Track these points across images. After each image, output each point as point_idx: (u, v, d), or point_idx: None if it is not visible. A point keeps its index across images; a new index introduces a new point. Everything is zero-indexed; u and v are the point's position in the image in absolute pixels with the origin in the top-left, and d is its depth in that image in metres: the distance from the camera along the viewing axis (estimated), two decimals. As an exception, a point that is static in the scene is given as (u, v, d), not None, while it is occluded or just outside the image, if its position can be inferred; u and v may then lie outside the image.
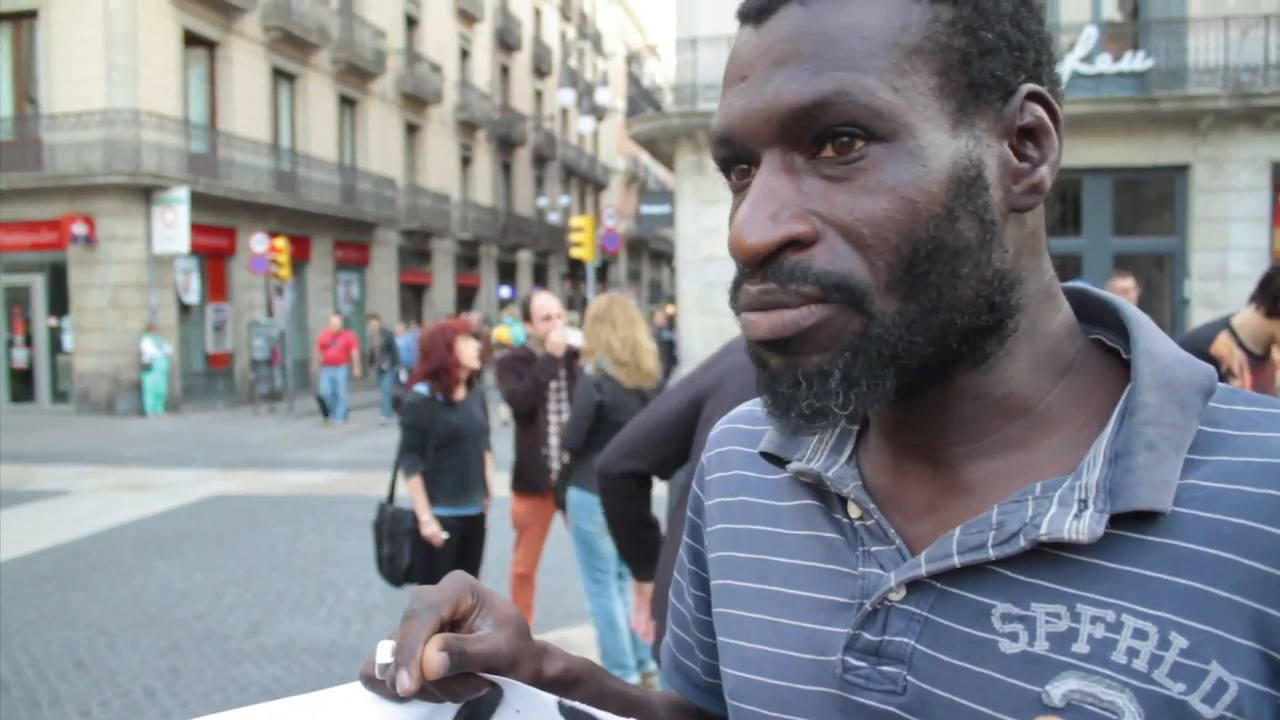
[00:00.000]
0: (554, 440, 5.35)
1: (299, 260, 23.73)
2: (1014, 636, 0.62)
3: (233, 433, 17.11)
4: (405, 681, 0.65)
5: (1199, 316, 13.49)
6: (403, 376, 18.77)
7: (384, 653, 0.68)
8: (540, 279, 43.18)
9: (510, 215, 38.74)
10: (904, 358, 0.62)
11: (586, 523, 4.78)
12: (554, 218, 42.93)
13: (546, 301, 5.48)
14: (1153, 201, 16.05)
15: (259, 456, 14.02)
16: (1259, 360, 3.27)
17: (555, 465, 5.32)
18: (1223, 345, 3.26)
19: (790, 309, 0.62)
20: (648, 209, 21.92)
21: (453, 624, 0.71)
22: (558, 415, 5.35)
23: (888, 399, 0.63)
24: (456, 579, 0.73)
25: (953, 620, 0.64)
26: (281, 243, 19.87)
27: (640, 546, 2.90)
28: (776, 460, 0.79)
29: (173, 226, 19.58)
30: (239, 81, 22.65)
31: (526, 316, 5.52)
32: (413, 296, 31.44)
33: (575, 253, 21.03)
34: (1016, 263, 0.65)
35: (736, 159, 0.67)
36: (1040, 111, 0.65)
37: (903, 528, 0.69)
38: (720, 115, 0.67)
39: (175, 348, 20.25)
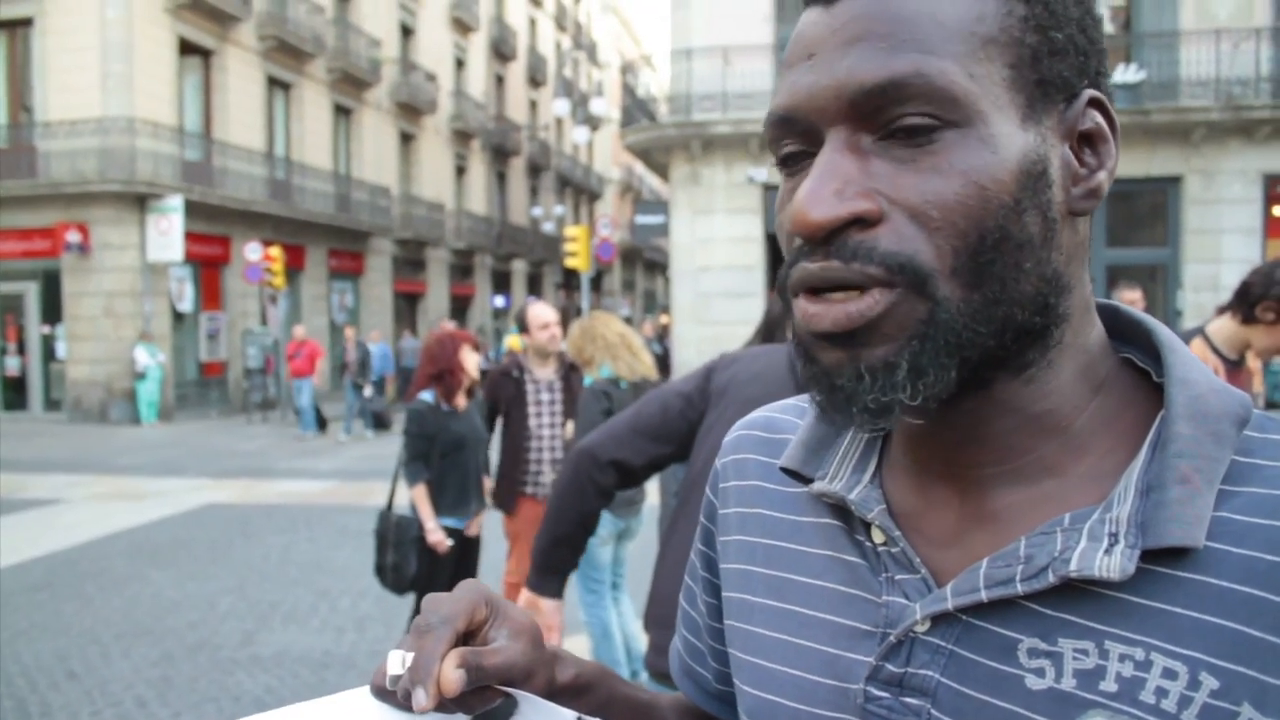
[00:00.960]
0: (546, 453, 5.35)
1: (293, 269, 23.69)
2: (1040, 672, 0.61)
3: (226, 441, 17.07)
4: (422, 700, 0.65)
5: (1192, 327, 13.49)
6: (368, 392, 18.32)
7: (395, 663, 0.67)
8: (534, 289, 43.18)
9: (505, 225, 38.74)
10: (968, 348, 0.61)
11: None
12: (548, 227, 42.94)
13: (542, 310, 5.48)
14: (1145, 213, 16.10)
15: (252, 465, 13.99)
16: (1234, 365, 3.30)
17: (551, 474, 5.33)
18: (1198, 349, 3.29)
19: (853, 300, 0.60)
20: (642, 219, 22.00)
21: (467, 635, 0.70)
22: (551, 429, 5.35)
23: (950, 392, 0.61)
24: (470, 588, 0.72)
25: (978, 654, 0.63)
26: (276, 251, 19.86)
27: (569, 555, 2.49)
28: (797, 476, 0.77)
29: (167, 235, 19.56)
30: (234, 90, 22.66)
31: (523, 327, 5.51)
32: (407, 306, 31.42)
33: (570, 262, 21.07)
34: (1068, 268, 0.64)
35: (798, 136, 0.65)
36: (1100, 119, 0.65)
37: (928, 555, 0.68)
38: (782, 94, 0.65)
39: (169, 356, 20.21)
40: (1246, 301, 3.15)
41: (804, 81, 0.63)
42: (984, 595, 0.62)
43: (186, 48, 21.43)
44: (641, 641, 5.26)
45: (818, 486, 0.74)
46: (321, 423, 18.15)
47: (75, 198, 19.37)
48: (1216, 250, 15.67)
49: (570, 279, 41.55)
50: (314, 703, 0.69)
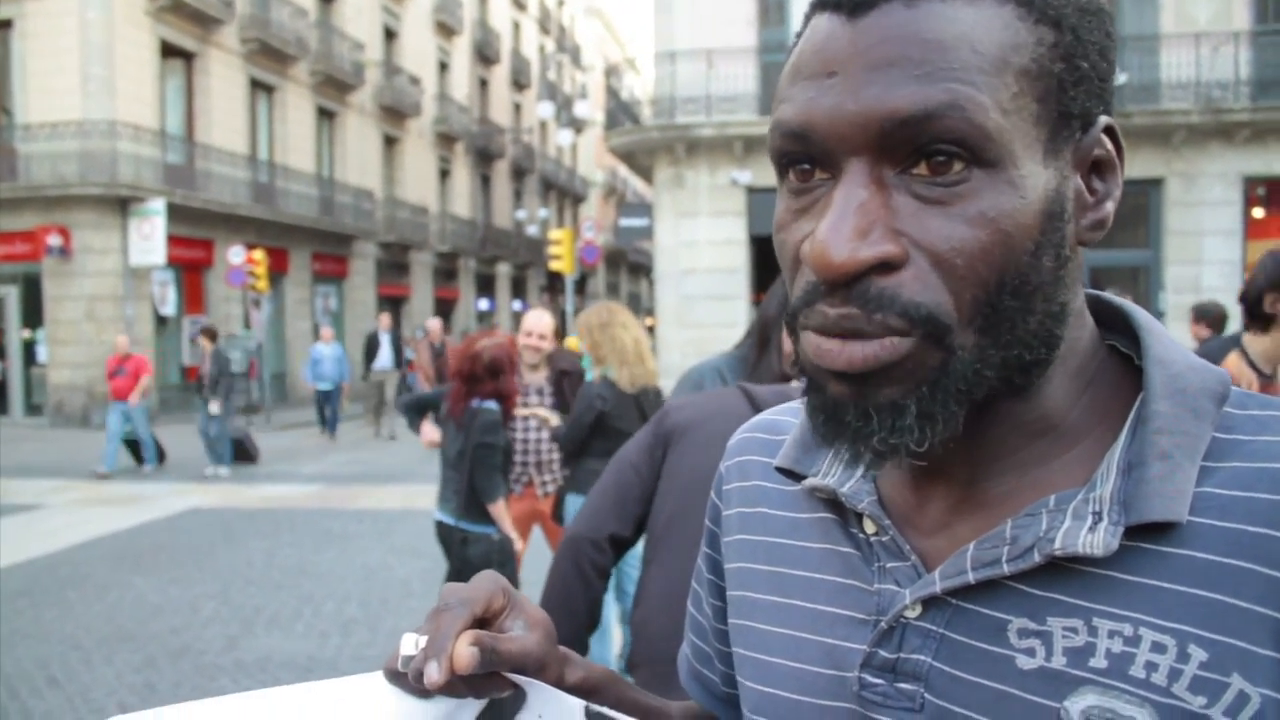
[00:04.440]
0: (531, 455, 5.34)
1: (276, 272, 23.59)
2: (1031, 652, 0.61)
3: (209, 446, 16.96)
4: (434, 673, 0.64)
5: (1173, 329, 13.61)
6: (214, 409, 13.55)
7: (408, 645, 0.68)
8: (519, 292, 43.14)
9: (489, 228, 38.69)
10: (975, 392, 0.60)
11: None
12: (532, 230, 42.90)
13: (534, 320, 5.43)
14: (1127, 215, 16.19)
15: (235, 469, 13.92)
16: (1268, 380, 3.21)
17: (537, 475, 5.32)
18: (1233, 364, 3.21)
19: (870, 340, 0.59)
20: (626, 222, 22.01)
21: (482, 623, 0.70)
22: (537, 432, 5.33)
23: (956, 434, 0.61)
24: (489, 578, 0.73)
25: (969, 636, 0.63)
26: (259, 255, 19.76)
27: (580, 648, 2.31)
28: (792, 475, 0.78)
29: (149, 238, 19.46)
30: (216, 93, 22.57)
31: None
32: (391, 309, 31.34)
33: (554, 265, 21.06)
34: (1070, 293, 0.63)
35: (806, 158, 0.62)
36: (1110, 146, 0.64)
37: (918, 543, 0.69)
38: (796, 108, 0.61)
39: (151, 360, 20.09)
40: (1255, 304, 3.07)
41: (824, 101, 0.60)
42: (971, 577, 0.62)
43: (168, 50, 21.32)
44: None
45: (810, 482, 0.75)
46: (160, 454, 14.24)
47: (56, 201, 19.25)
48: (1198, 252, 15.78)
49: (554, 282, 41.52)
50: (327, 683, 0.70)
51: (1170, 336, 0.68)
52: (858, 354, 0.59)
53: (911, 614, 0.66)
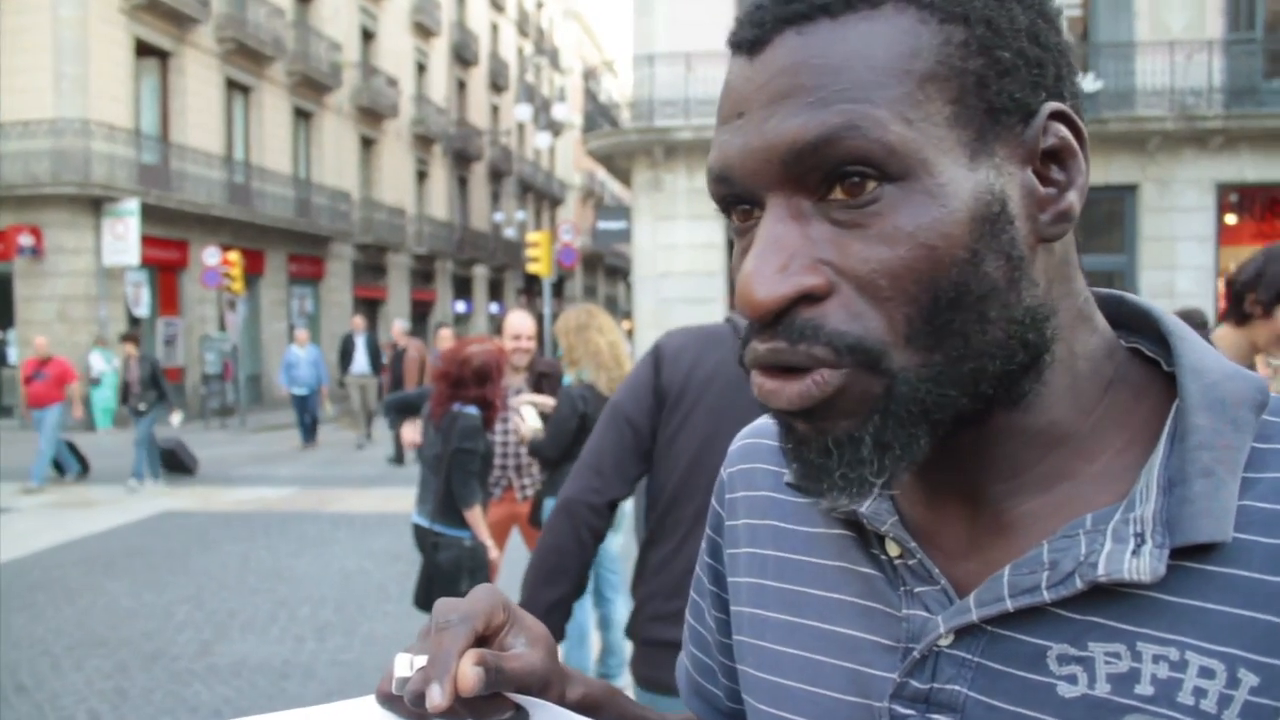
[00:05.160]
0: (511, 459, 5.31)
1: (252, 274, 23.46)
2: (1072, 679, 0.58)
3: (183, 448, 16.83)
4: (437, 697, 0.61)
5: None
6: (176, 420, 13.89)
7: (403, 666, 0.64)
8: (496, 294, 43.05)
9: (466, 230, 38.59)
10: (935, 412, 0.58)
11: None
12: (510, 233, 42.83)
13: (517, 321, 5.41)
14: (1102, 220, 16.31)
15: (210, 472, 13.80)
16: None
17: (516, 479, 5.30)
18: None
19: (802, 377, 0.58)
20: (604, 224, 21.96)
21: (482, 639, 0.67)
22: (516, 435, 5.30)
23: (924, 457, 0.59)
24: (488, 591, 0.69)
25: (1006, 665, 0.61)
26: (234, 256, 19.63)
27: (567, 607, 2.33)
28: (805, 491, 0.75)
29: (123, 238, 19.31)
30: (192, 93, 22.41)
31: (499, 332, 5.49)
32: (367, 311, 31.21)
33: (531, 268, 21.02)
34: (1048, 295, 0.61)
35: (737, 199, 0.62)
36: (1064, 131, 0.61)
37: (946, 567, 0.65)
38: (716, 152, 0.62)
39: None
40: (1236, 303, 3.10)
41: (736, 143, 0.60)
42: (1010, 604, 0.60)
43: (143, 49, 21.16)
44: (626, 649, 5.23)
45: (827, 503, 0.71)
46: (83, 465, 13.35)
47: (28, 200, 19.05)
48: (1172, 257, 15.91)
49: (532, 284, 41.39)
50: (314, 710, 0.66)
51: (1203, 342, 0.65)
52: (795, 392, 0.58)
53: (944, 642, 0.63)
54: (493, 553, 4.76)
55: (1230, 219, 16.63)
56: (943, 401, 0.58)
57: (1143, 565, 0.56)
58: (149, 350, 12.51)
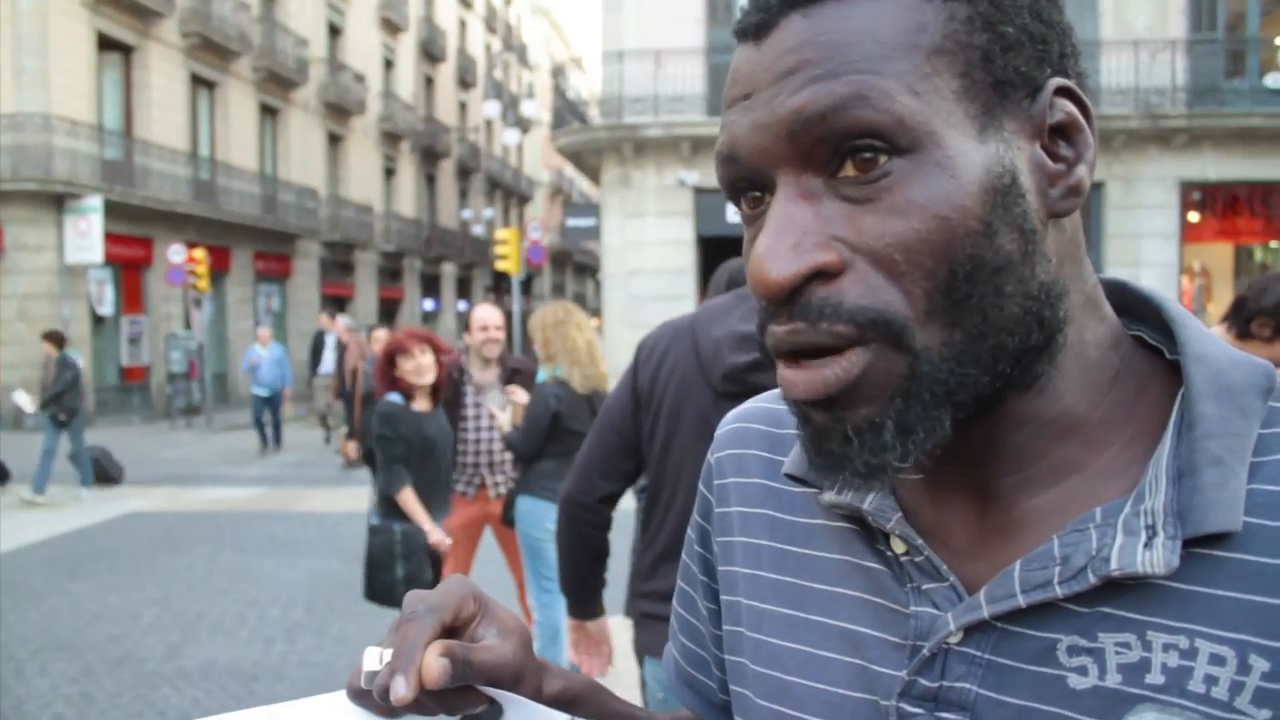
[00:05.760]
0: (484, 455, 5.29)
1: (218, 271, 23.24)
2: (1083, 670, 0.58)
3: (149, 448, 16.65)
4: (401, 689, 0.59)
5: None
6: (25, 402, 12.73)
7: (371, 660, 0.62)
8: (464, 292, 42.88)
9: (434, 227, 38.42)
10: (958, 393, 0.57)
11: (536, 530, 4.74)
12: (478, 230, 42.68)
13: (484, 313, 5.40)
14: (1068, 218, 16.50)
15: (176, 472, 13.67)
16: None
17: (489, 476, 5.28)
18: None
19: (829, 364, 0.57)
20: (573, 222, 21.96)
21: (451, 632, 0.66)
22: (489, 432, 5.28)
23: (946, 442, 0.58)
24: (458, 582, 0.68)
25: (1016, 659, 0.60)
26: (200, 253, 19.43)
27: (594, 581, 2.73)
28: (804, 482, 0.73)
29: (86, 236, 19.07)
30: (156, 88, 22.14)
31: (467, 328, 5.49)
32: (335, 308, 31.00)
33: (500, 265, 20.94)
34: (1060, 273, 0.61)
35: (746, 183, 0.62)
36: (1070, 107, 0.61)
37: (953, 563, 0.65)
38: (724, 134, 0.62)
39: (88, 361, 19.64)
40: (1242, 316, 3.03)
41: (743, 122, 0.60)
42: (1021, 601, 0.59)
43: (105, 43, 20.89)
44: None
45: (827, 498, 0.70)
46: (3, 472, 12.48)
47: (-13, 197, 18.78)
48: (1136, 254, 16.10)
49: (500, 282, 41.29)
50: (286, 705, 0.64)
51: (1205, 329, 0.64)
52: (819, 378, 0.57)
53: (953, 640, 0.62)
54: (434, 536, 4.73)
55: (1193, 216, 16.85)
56: (965, 381, 0.57)
57: (1156, 558, 0.56)
58: (65, 357, 11.43)
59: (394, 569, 4.67)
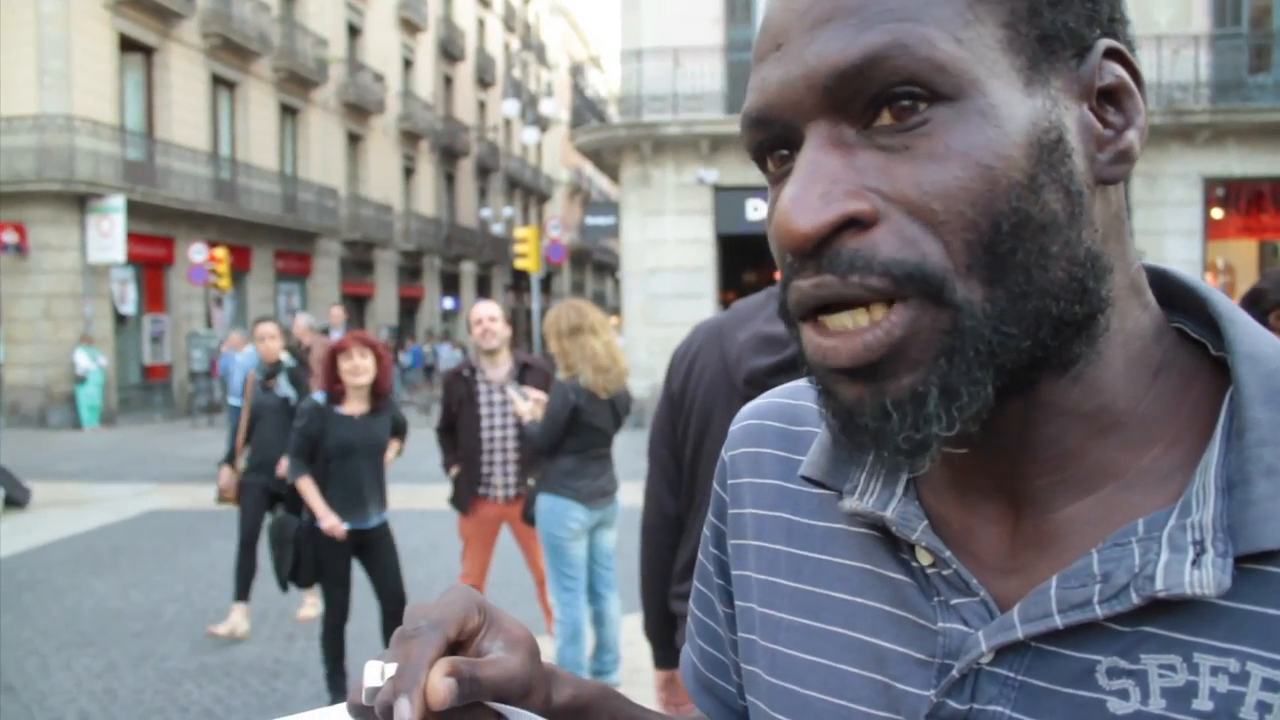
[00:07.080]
0: (499, 454, 5.28)
1: (239, 270, 23.38)
2: (1124, 694, 0.54)
3: (170, 446, 16.75)
4: (405, 712, 0.56)
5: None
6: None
7: (373, 675, 0.60)
8: (484, 290, 42.96)
9: (453, 226, 38.52)
10: (1001, 355, 0.53)
11: (556, 528, 4.73)
12: (497, 229, 42.75)
13: (479, 306, 5.40)
14: (1090, 215, 16.41)
15: (198, 470, 13.73)
16: None
17: (501, 475, 5.27)
18: None
19: (870, 329, 0.53)
20: (592, 220, 21.99)
21: (457, 645, 0.62)
22: (504, 430, 5.27)
23: (989, 409, 0.54)
24: (462, 593, 0.64)
25: (1052, 682, 0.56)
26: (221, 252, 19.56)
27: (670, 619, 2.54)
28: (822, 485, 0.69)
29: (108, 235, 19.21)
30: (177, 88, 22.29)
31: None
32: (355, 307, 31.12)
33: (519, 264, 20.96)
34: (1105, 246, 0.57)
35: (774, 142, 0.58)
36: (1121, 71, 0.57)
37: (983, 575, 0.60)
38: (753, 92, 0.58)
39: (111, 359, 19.82)
40: (1260, 308, 2.96)
41: (774, 75, 0.56)
42: (1059, 621, 0.55)
43: (127, 45, 21.03)
44: (621, 645, 5.20)
45: (848, 505, 0.66)
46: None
47: (11, 197, 18.92)
48: (1159, 252, 15.97)
49: (519, 280, 41.41)
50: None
51: (1257, 325, 0.59)
52: (860, 344, 0.54)
53: (984, 660, 0.58)
54: (326, 522, 4.83)
55: (1217, 213, 16.71)
56: (1008, 343, 0.53)
57: (1205, 577, 0.52)
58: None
59: (280, 556, 5.01)
